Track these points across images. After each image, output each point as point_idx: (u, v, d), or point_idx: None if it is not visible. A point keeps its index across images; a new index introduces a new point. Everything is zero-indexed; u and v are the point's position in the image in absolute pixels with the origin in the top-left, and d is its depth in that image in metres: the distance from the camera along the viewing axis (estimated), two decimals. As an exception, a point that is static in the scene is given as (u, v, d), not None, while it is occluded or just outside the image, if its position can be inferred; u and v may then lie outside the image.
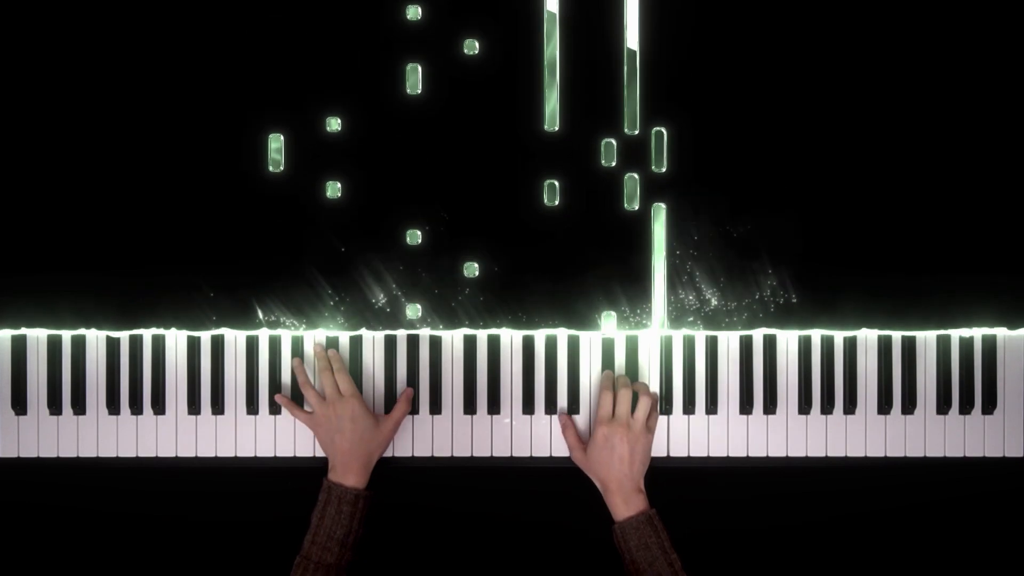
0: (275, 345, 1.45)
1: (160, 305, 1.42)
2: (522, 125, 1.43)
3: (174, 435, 1.44)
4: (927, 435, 1.46)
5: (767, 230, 1.44)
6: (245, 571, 1.47)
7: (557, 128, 1.43)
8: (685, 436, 1.46)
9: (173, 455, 1.44)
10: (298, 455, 1.45)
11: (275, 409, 1.45)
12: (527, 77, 1.43)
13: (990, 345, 1.45)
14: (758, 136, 1.43)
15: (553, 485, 1.44)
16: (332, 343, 1.44)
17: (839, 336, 1.46)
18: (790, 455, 1.45)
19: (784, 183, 1.44)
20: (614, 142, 1.43)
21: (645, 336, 1.46)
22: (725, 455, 1.46)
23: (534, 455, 1.45)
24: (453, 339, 1.45)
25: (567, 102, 1.43)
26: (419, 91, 1.42)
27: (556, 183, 1.43)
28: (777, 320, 1.44)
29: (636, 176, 1.43)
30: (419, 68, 1.42)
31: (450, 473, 1.46)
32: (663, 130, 1.43)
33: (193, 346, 1.44)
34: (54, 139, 1.41)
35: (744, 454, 1.45)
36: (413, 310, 1.43)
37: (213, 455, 1.44)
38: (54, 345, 1.44)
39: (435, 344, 1.45)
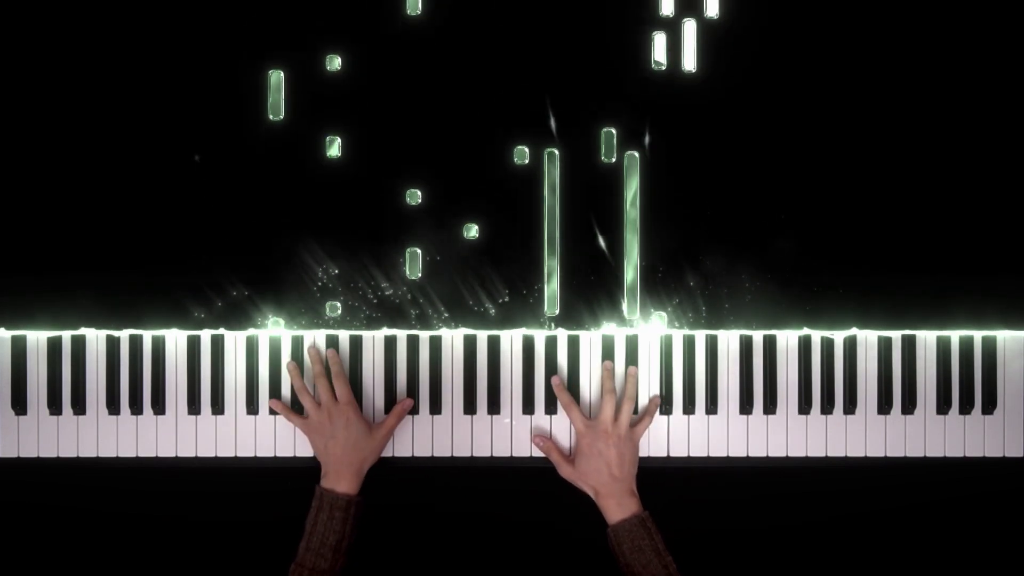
0: (275, 345, 1.45)
1: (160, 305, 1.42)
2: (526, 311, 1.44)
3: (174, 435, 1.44)
4: (927, 435, 1.46)
5: (767, 231, 1.44)
6: (245, 571, 1.47)
7: (557, 311, 1.43)
8: (685, 436, 1.46)
9: (173, 455, 1.44)
10: (298, 455, 1.45)
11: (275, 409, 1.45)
12: (527, 260, 1.44)
13: (990, 345, 1.46)
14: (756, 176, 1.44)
15: (553, 486, 1.44)
16: (332, 343, 1.44)
17: (839, 336, 1.46)
18: (790, 455, 1.45)
19: (784, 185, 1.44)
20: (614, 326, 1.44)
21: (645, 336, 1.46)
22: (725, 455, 1.46)
23: (534, 455, 1.45)
24: (453, 339, 1.45)
25: (566, 287, 1.43)
26: (419, 276, 1.42)
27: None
28: (777, 320, 1.44)
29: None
30: (419, 252, 1.43)
31: (450, 473, 1.46)
32: (663, 314, 1.44)
33: (193, 346, 1.44)
34: (53, 139, 1.41)
35: (744, 454, 1.45)
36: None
37: (213, 455, 1.44)
38: (54, 345, 1.44)
39: (435, 344, 1.45)
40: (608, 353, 1.45)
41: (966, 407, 1.45)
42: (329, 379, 1.40)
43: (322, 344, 1.45)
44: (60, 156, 1.42)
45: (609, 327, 1.44)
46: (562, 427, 1.46)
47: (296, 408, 1.42)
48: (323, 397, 1.39)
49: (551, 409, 1.45)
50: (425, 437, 1.45)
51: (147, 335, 1.44)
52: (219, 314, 1.42)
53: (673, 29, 1.43)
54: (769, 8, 1.43)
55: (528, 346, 1.45)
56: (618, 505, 1.35)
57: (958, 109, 1.44)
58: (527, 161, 1.43)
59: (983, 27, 1.43)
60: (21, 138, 1.41)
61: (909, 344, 1.45)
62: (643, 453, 1.44)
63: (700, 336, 1.46)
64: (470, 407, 1.46)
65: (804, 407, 1.45)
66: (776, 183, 1.44)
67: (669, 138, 1.43)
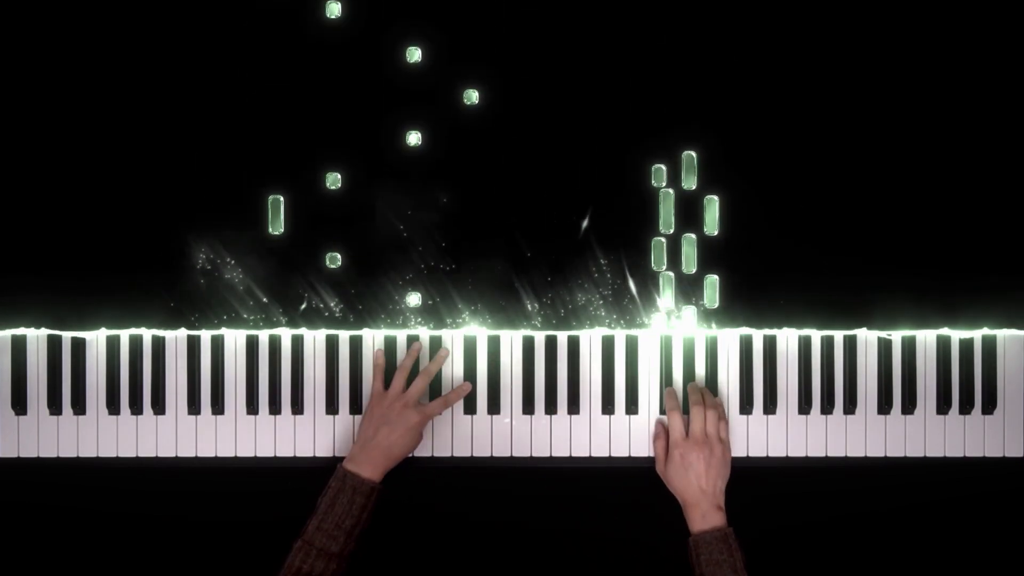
0: (275, 345, 1.45)
1: (160, 305, 1.42)
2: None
3: (174, 435, 1.44)
4: (927, 435, 1.46)
5: (767, 232, 1.44)
6: (245, 571, 1.47)
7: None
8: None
9: (173, 455, 1.44)
10: (298, 455, 1.45)
11: (275, 409, 1.45)
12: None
13: (990, 345, 1.45)
14: (761, 149, 1.44)
15: (553, 486, 1.44)
16: (332, 343, 1.44)
17: (839, 336, 1.46)
18: (790, 455, 1.45)
19: (783, 184, 1.44)
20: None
21: (645, 336, 1.46)
22: (725, 455, 1.45)
23: (534, 455, 1.45)
24: (453, 339, 1.45)
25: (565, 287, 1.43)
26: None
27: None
28: (776, 320, 1.44)
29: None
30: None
31: (450, 473, 1.46)
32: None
33: (193, 346, 1.44)
34: (53, 138, 1.42)
35: (744, 454, 1.45)
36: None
37: (213, 455, 1.44)
38: (54, 345, 1.44)
39: (435, 344, 1.45)
40: (608, 352, 1.45)
41: (966, 407, 1.45)
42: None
43: (322, 342, 1.44)
44: (60, 155, 1.42)
45: (609, 328, 1.44)
46: (562, 426, 1.45)
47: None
48: (416, 389, 1.39)
49: (551, 409, 1.45)
50: (425, 437, 1.45)
51: (147, 335, 1.44)
52: (220, 312, 1.43)
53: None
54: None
55: (528, 346, 1.45)
56: (702, 517, 1.34)
57: (956, 110, 1.44)
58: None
59: (974, 31, 1.43)
60: (20, 137, 1.41)
61: (909, 344, 1.45)
62: (642, 453, 1.45)
63: (700, 336, 1.46)
64: (470, 407, 1.46)
65: (804, 407, 1.45)
66: (773, 183, 1.44)
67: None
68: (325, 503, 1.31)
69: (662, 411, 1.45)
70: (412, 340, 1.45)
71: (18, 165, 1.42)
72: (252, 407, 1.44)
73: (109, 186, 1.42)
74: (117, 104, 1.42)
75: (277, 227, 1.43)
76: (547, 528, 1.48)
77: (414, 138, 1.43)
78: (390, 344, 1.45)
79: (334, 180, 1.43)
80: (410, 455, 1.42)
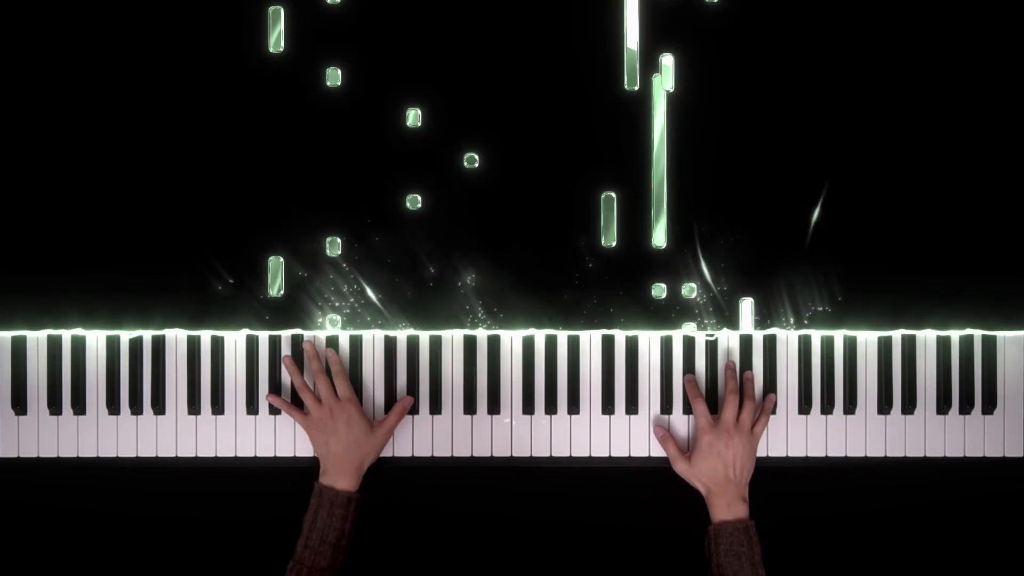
0: (275, 345, 1.45)
1: (160, 304, 1.42)
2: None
3: (174, 435, 1.44)
4: (927, 435, 1.46)
5: (767, 231, 1.44)
6: (245, 571, 1.47)
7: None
8: (686, 436, 1.46)
9: (173, 455, 1.44)
10: (298, 455, 1.45)
11: (275, 409, 1.44)
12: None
13: (990, 345, 1.45)
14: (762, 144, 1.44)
15: (552, 486, 1.44)
16: (332, 343, 1.44)
17: (839, 336, 1.46)
18: (790, 455, 1.45)
19: (782, 182, 1.44)
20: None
21: (645, 336, 1.46)
22: (725, 455, 1.45)
23: (534, 455, 1.45)
24: (453, 339, 1.45)
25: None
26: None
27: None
28: (776, 320, 1.44)
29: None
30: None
31: (450, 473, 1.46)
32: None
33: (193, 346, 1.44)
34: (50, 137, 1.42)
35: (744, 454, 1.45)
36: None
37: (213, 455, 1.44)
38: (54, 345, 1.44)
39: (435, 344, 1.45)
40: (608, 352, 1.45)
41: (966, 407, 1.45)
42: (329, 376, 1.40)
43: (322, 344, 1.45)
44: (58, 155, 1.42)
45: (610, 329, 1.44)
46: (562, 426, 1.45)
47: (296, 404, 1.42)
48: (324, 394, 1.39)
49: (551, 409, 1.45)
50: (425, 437, 1.45)
51: (147, 335, 1.44)
52: (219, 312, 1.42)
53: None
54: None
55: (528, 346, 1.45)
56: (727, 507, 1.34)
57: (957, 109, 1.44)
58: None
59: (975, 28, 1.43)
60: (17, 135, 1.41)
61: (909, 344, 1.45)
62: (641, 453, 1.45)
63: (700, 337, 1.46)
64: (470, 407, 1.46)
65: (804, 407, 1.45)
66: (771, 183, 1.44)
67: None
68: (308, 520, 1.33)
69: (662, 411, 1.45)
70: (412, 340, 1.44)
71: (17, 165, 1.42)
72: (252, 407, 1.44)
73: (107, 185, 1.42)
74: (113, 103, 1.42)
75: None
76: (547, 528, 1.48)
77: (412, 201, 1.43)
78: (390, 344, 1.45)
79: (334, 245, 1.43)
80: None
